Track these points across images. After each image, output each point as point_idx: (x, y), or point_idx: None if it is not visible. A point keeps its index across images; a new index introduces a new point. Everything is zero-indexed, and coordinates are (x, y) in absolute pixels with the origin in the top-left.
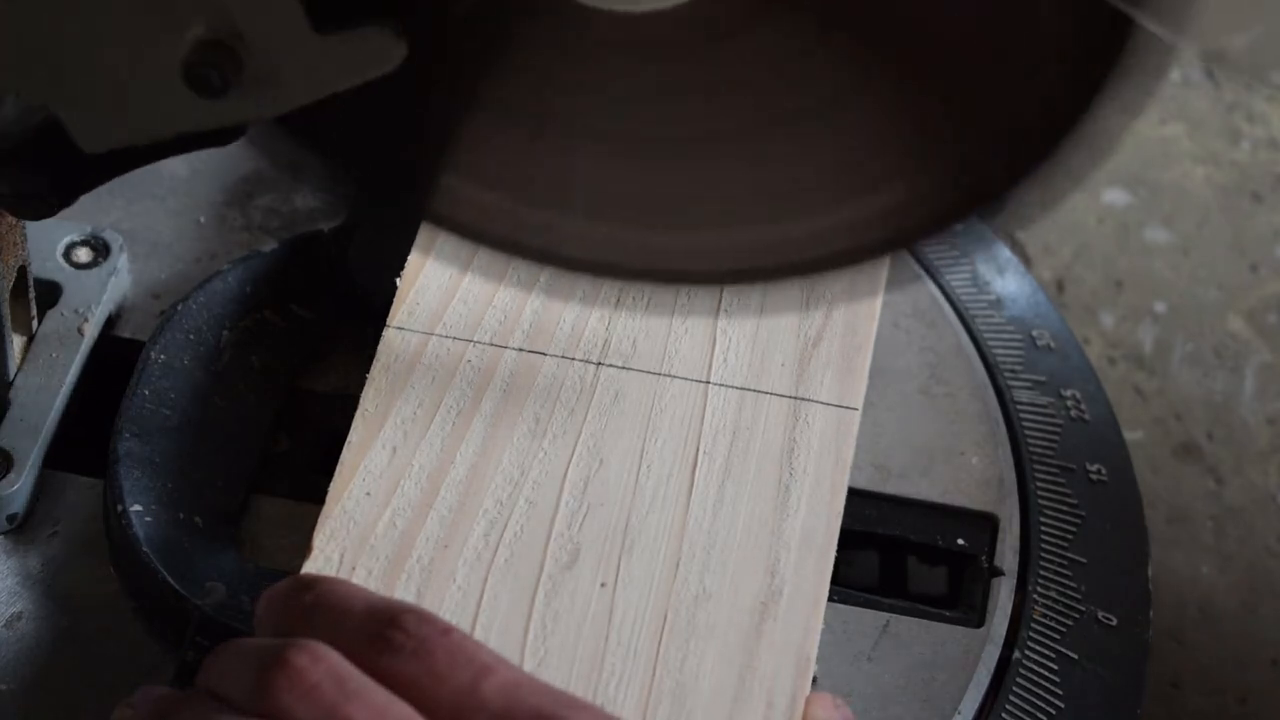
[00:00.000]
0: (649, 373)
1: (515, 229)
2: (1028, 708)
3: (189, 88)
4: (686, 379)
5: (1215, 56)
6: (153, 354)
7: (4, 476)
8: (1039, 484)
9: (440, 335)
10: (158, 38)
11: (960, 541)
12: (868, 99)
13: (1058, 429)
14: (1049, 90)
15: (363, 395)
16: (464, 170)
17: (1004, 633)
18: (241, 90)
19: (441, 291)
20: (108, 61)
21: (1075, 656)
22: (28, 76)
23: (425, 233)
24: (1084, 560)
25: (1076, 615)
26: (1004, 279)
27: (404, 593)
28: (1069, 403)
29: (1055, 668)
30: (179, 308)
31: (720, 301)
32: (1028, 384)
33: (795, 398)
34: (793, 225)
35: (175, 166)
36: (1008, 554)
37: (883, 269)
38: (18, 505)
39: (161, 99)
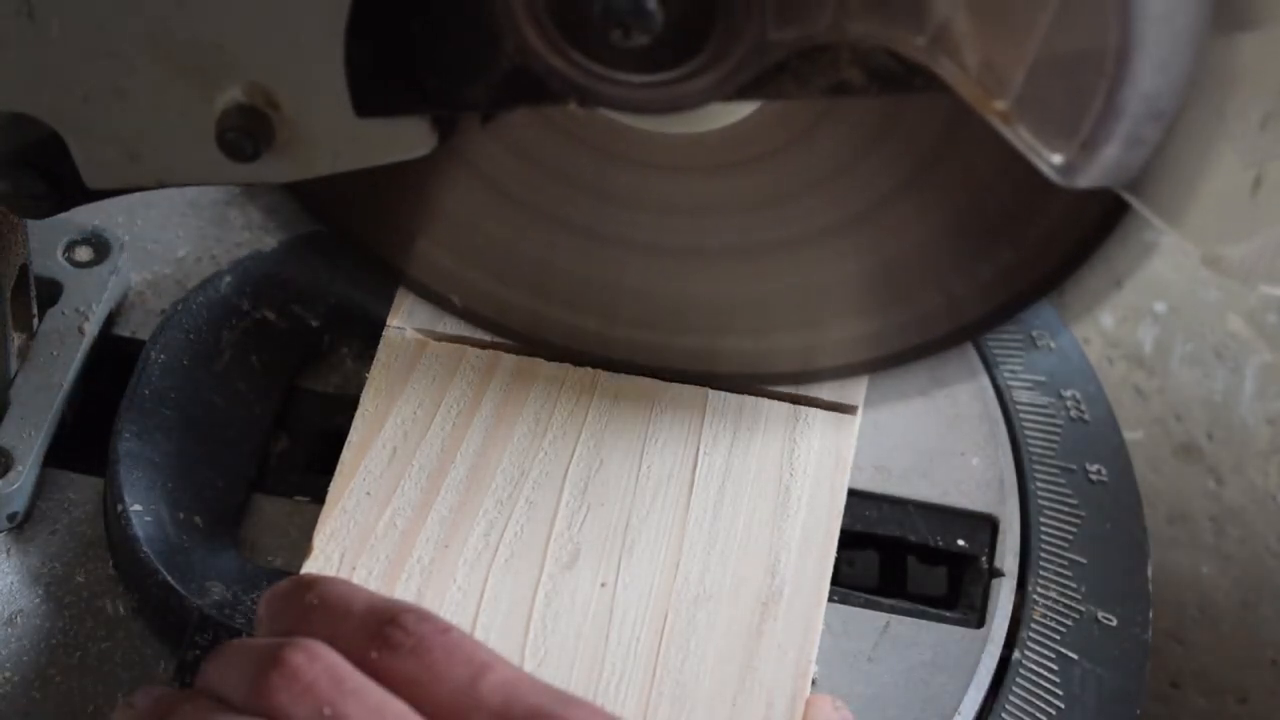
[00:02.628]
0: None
1: (498, 311)
2: (1028, 708)
3: (220, 150)
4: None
5: (1212, 260)
6: (153, 353)
7: (4, 475)
8: (1039, 485)
9: (440, 335)
10: (192, 96)
11: (960, 542)
12: (902, 213)
13: (1058, 429)
14: (1049, 239)
15: (363, 395)
16: (447, 245)
17: (1004, 633)
18: (268, 155)
19: None
20: (134, 110)
21: (1075, 656)
22: (46, 105)
23: None
24: (1084, 560)
25: (1076, 615)
26: None
27: (404, 593)
28: (1069, 403)
29: (1055, 668)
30: (179, 307)
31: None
32: (1028, 384)
33: (795, 398)
34: (784, 337)
35: None
36: (1008, 555)
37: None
38: (18, 504)
39: (183, 153)
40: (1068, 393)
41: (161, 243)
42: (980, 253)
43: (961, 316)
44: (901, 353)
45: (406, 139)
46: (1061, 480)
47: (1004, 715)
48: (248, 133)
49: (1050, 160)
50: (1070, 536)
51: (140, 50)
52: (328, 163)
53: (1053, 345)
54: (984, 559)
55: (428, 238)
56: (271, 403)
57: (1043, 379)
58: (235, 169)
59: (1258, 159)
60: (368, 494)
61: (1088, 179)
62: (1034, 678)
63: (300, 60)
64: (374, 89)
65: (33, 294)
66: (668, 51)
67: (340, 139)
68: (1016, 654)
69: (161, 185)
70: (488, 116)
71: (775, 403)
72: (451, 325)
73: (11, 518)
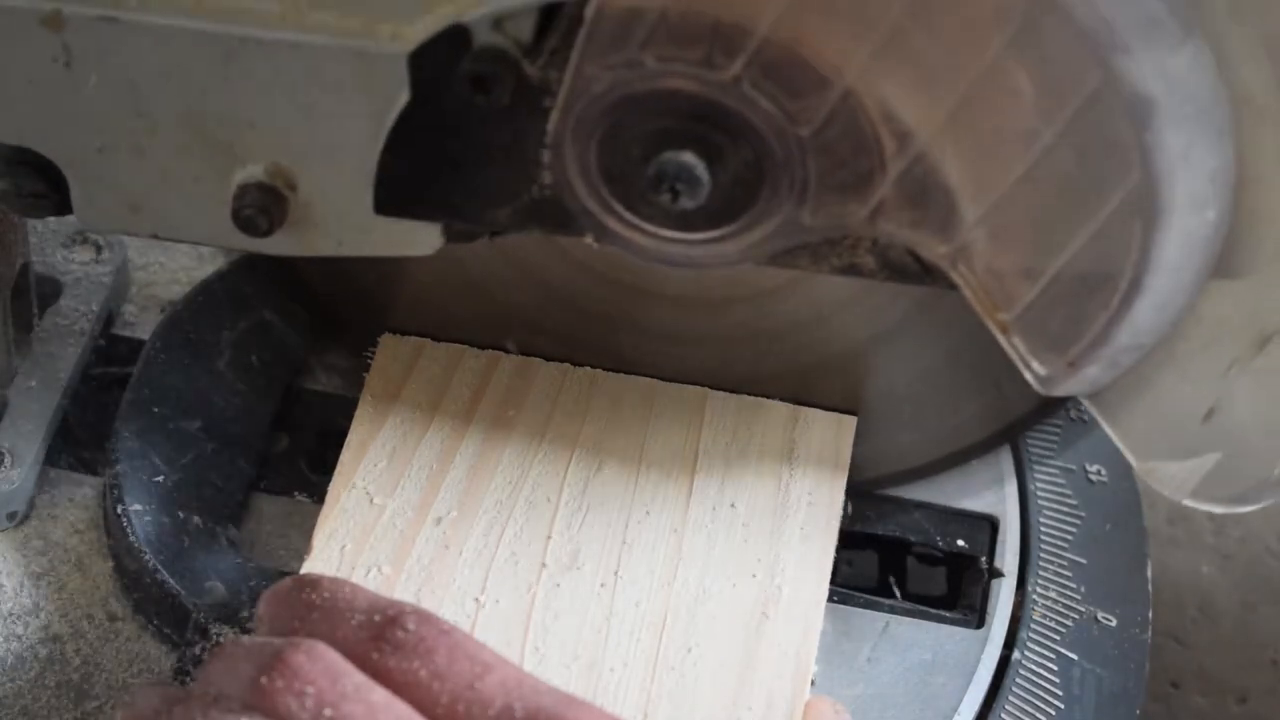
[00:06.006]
0: (648, 374)
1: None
2: (1027, 708)
3: (235, 225)
4: (686, 380)
5: (1147, 471)
6: (153, 353)
7: (4, 474)
8: (1039, 485)
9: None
10: (211, 166)
11: (960, 543)
12: (940, 317)
13: (1057, 430)
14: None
15: (362, 395)
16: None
17: (1004, 633)
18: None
19: None
20: (148, 168)
21: (1075, 656)
22: (59, 148)
23: None
24: (1084, 560)
25: (1076, 615)
26: None
27: (404, 593)
28: (1069, 403)
29: (1055, 668)
30: (179, 307)
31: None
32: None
33: (795, 399)
34: None
35: None
36: (1008, 555)
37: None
38: (18, 503)
39: (187, 215)
40: None
41: (162, 242)
42: None
43: (1009, 414)
44: (951, 455)
45: (414, 239)
46: (1061, 480)
47: (1004, 715)
48: (264, 210)
49: (1034, 370)
50: (1070, 536)
51: (170, 116)
52: (330, 246)
53: None
54: (984, 559)
55: (398, 314)
56: (271, 403)
57: None
58: (235, 236)
59: (1215, 394)
60: (368, 494)
61: (1062, 390)
62: (1034, 678)
63: (331, 154)
64: (397, 192)
65: (33, 293)
66: (705, 216)
67: (349, 228)
68: (1016, 654)
69: (155, 237)
70: (497, 232)
71: (775, 403)
72: None
73: (11, 517)
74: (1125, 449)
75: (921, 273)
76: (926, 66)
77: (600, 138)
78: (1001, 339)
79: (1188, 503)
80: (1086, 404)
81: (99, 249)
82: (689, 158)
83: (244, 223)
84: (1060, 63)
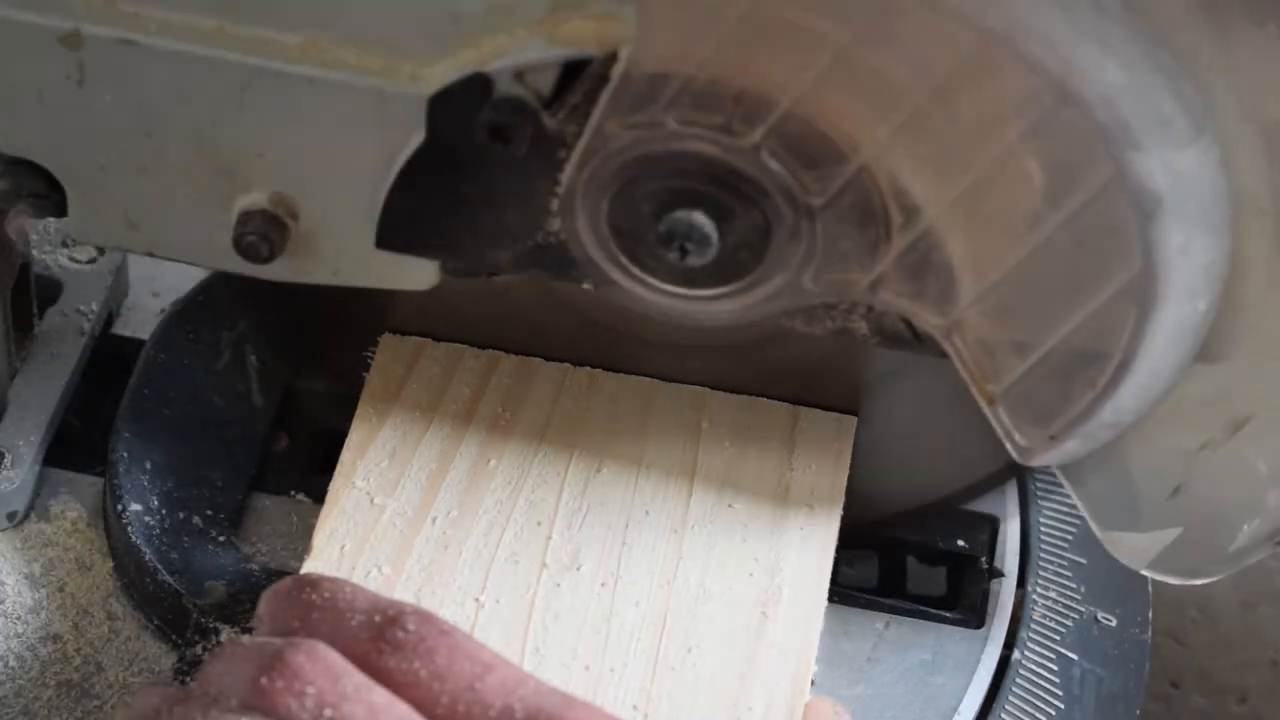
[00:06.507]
0: (648, 374)
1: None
2: (1027, 708)
3: (235, 249)
4: (686, 380)
5: (1109, 541)
6: (153, 353)
7: (4, 474)
8: (1039, 485)
9: (440, 335)
10: (215, 191)
11: (960, 543)
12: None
13: None
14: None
15: (362, 396)
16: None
17: (1004, 633)
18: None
19: None
20: (150, 187)
21: (1075, 657)
22: (61, 163)
23: None
24: (1084, 560)
25: (1076, 615)
26: None
27: (404, 593)
28: None
29: (1055, 668)
30: (179, 307)
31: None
32: None
33: (795, 398)
34: None
35: None
36: (1008, 555)
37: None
38: (18, 503)
39: (185, 236)
40: None
41: None
42: None
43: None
44: (960, 492)
45: (410, 274)
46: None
47: (1004, 715)
48: (266, 238)
49: (1015, 441)
50: (1070, 536)
51: (179, 140)
52: (325, 275)
53: None
54: (984, 559)
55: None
56: (271, 403)
57: None
58: (233, 259)
59: (1184, 472)
60: (368, 494)
61: (1039, 461)
62: (1034, 678)
63: (338, 188)
64: (400, 229)
65: (33, 293)
66: (708, 274)
67: (347, 259)
68: (1016, 654)
69: (150, 255)
70: (495, 273)
71: (775, 403)
72: None
73: (11, 517)
74: (1089, 516)
75: (914, 340)
76: (943, 148)
77: (613, 192)
78: (987, 410)
79: (1145, 572)
80: (1055, 470)
81: (99, 249)
82: (700, 218)
83: (245, 249)
84: (1074, 155)
